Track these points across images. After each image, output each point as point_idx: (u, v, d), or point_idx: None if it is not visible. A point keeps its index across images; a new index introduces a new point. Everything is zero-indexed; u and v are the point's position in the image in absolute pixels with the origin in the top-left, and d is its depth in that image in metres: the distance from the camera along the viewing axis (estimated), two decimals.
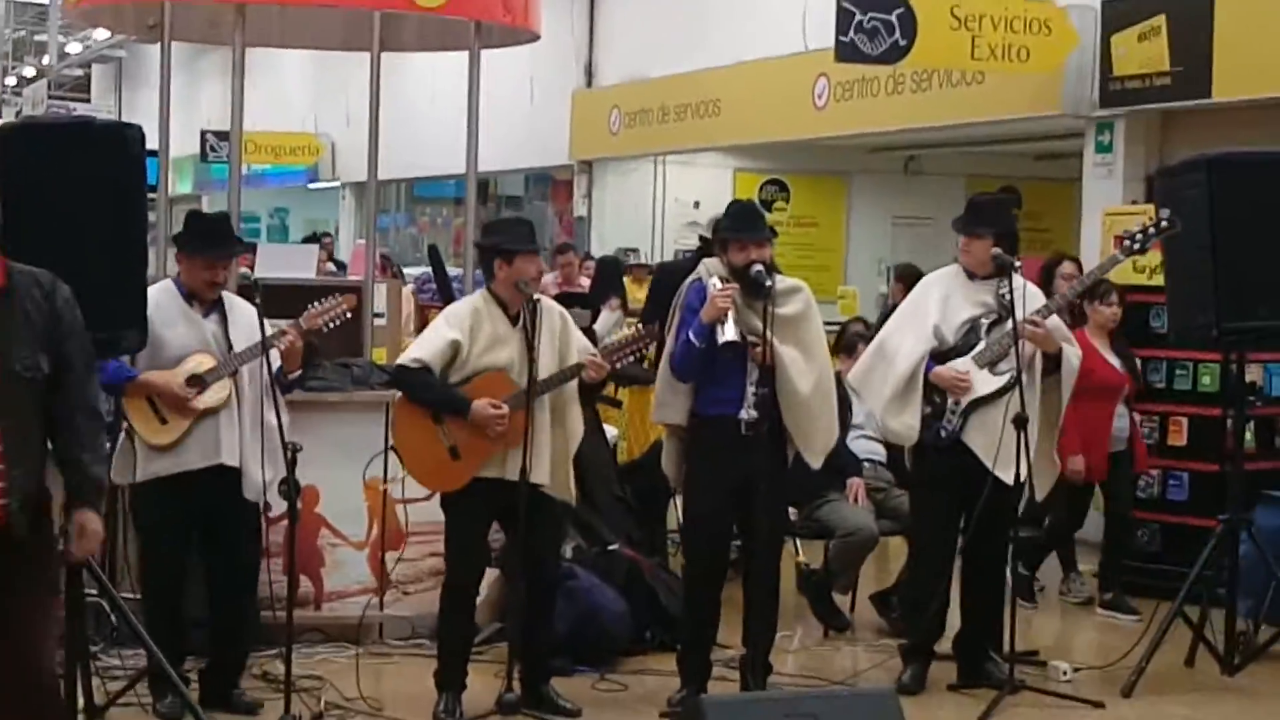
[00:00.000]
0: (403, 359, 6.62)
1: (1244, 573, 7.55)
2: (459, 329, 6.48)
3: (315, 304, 6.57)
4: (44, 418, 4.58)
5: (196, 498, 6.31)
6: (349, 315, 6.71)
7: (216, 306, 6.40)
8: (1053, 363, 6.94)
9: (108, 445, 6.61)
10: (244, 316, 6.39)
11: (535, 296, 6.45)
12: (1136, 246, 7.06)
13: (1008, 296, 6.83)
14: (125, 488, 6.56)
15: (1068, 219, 15.24)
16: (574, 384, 6.58)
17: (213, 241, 6.43)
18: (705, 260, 6.85)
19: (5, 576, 4.51)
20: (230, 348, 6.29)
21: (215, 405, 6.29)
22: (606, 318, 11.24)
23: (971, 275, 7.02)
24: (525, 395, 6.33)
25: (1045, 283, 7.95)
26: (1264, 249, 7.16)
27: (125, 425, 6.33)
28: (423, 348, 6.53)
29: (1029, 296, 6.89)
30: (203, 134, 23.99)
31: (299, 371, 6.56)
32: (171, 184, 10.12)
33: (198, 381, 6.27)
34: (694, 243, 13.26)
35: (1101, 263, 7.48)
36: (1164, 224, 7.04)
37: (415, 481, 6.71)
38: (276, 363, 6.40)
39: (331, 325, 6.64)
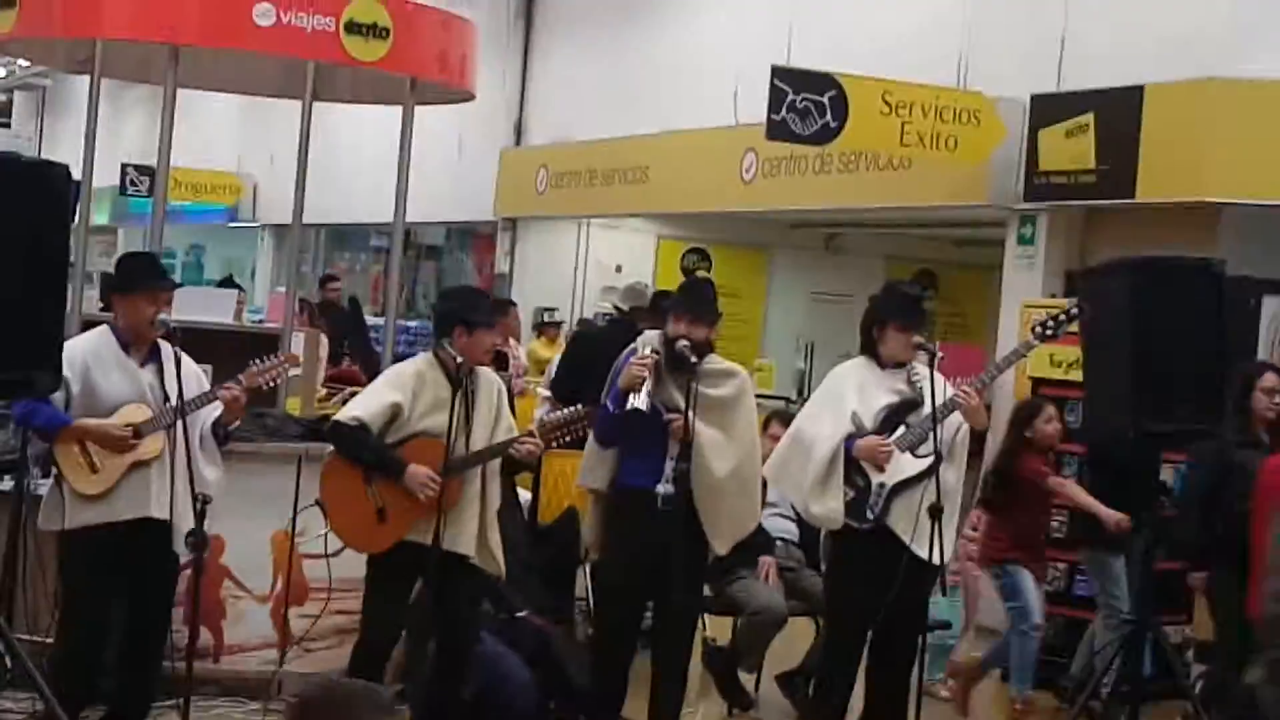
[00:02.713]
0: (341, 415, 6.57)
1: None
2: (401, 391, 6.43)
3: (256, 361, 6.47)
4: None
5: (123, 548, 6.18)
6: (290, 375, 6.65)
7: (154, 356, 6.29)
8: (978, 441, 6.97)
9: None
10: (186, 365, 6.30)
11: (472, 367, 6.42)
12: (1049, 333, 7.14)
13: (920, 383, 6.89)
14: (50, 534, 6.40)
15: (985, 306, 15.40)
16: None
17: (150, 276, 6.35)
18: (647, 332, 6.85)
19: None
20: (167, 399, 6.17)
21: (148, 457, 6.18)
22: None
23: (883, 365, 7.05)
24: (457, 464, 6.28)
25: (1244, 394, 7.92)
26: (1183, 352, 7.23)
27: (55, 472, 6.20)
28: (362, 406, 6.48)
29: (939, 385, 6.96)
30: (123, 167, 23.74)
31: (235, 425, 6.46)
32: (90, 216, 10.04)
33: (133, 430, 6.17)
34: (609, 307, 13.33)
35: (1015, 347, 7.54)
36: (1074, 312, 7.14)
37: (339, 539, 6.61)
38: (215, 413, 6.30)
39: (270, 385, 6.55)
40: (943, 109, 10.84)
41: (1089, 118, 10.64)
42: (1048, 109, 11.02)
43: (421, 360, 6.61)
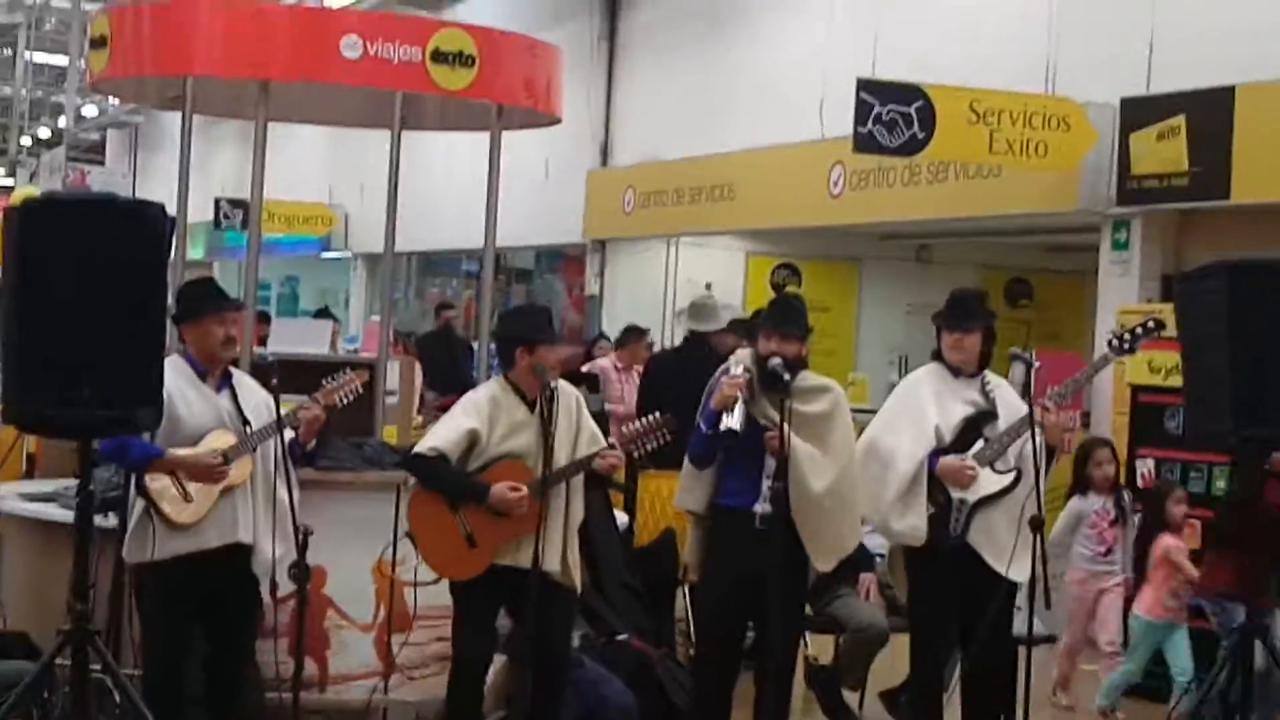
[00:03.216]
0: (419, 447, 6.59)
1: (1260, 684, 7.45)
2: (477, 418, 6.46)
3: (329, 379, 6.56)
4: None
5: (207, 575, 6.25)
6: (361, 391, 6.70)
7: (227, 382, 6.36)
8: (1050, 456, 6.90)
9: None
10: (253, 393, 6.37)
11: (552, 384, 6.43)
12: (1125, 347, 7.05)
13: (994, 393, 6.83)
14: (134, 566, 6.48)
15: (1079, 313, 15.24)
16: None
17: (214, 299, 6.43)
18: (738, 351, 6.84)
19: None
20: (245, 423, 6.24)
21: (236, 482, 6.25)
22: None
23: (956, 372, 6.99)
24: (541, 483, 6.30)
25: None
26: None
27: (143, 504, 6.28)
28: (439, 437, 6.51)
29: (1014, 397, 6.91)
30: (217, 201, 24.06)
31: (313, 444, 6.52)
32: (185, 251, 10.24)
33: (222, 457, 6.24)
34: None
35: (1093, 361, 7.48)
36: (1150, 325, 7.05)
37: (431, 569, 6.65)
38: (289, 435, 6.36)
39: (346, 400, 6.63)
40: (1031, 115, 10.77)
41: (1180, 120, 10.53)
42: (1138, 112, 10.92)
43: (494, 385, 6.64)
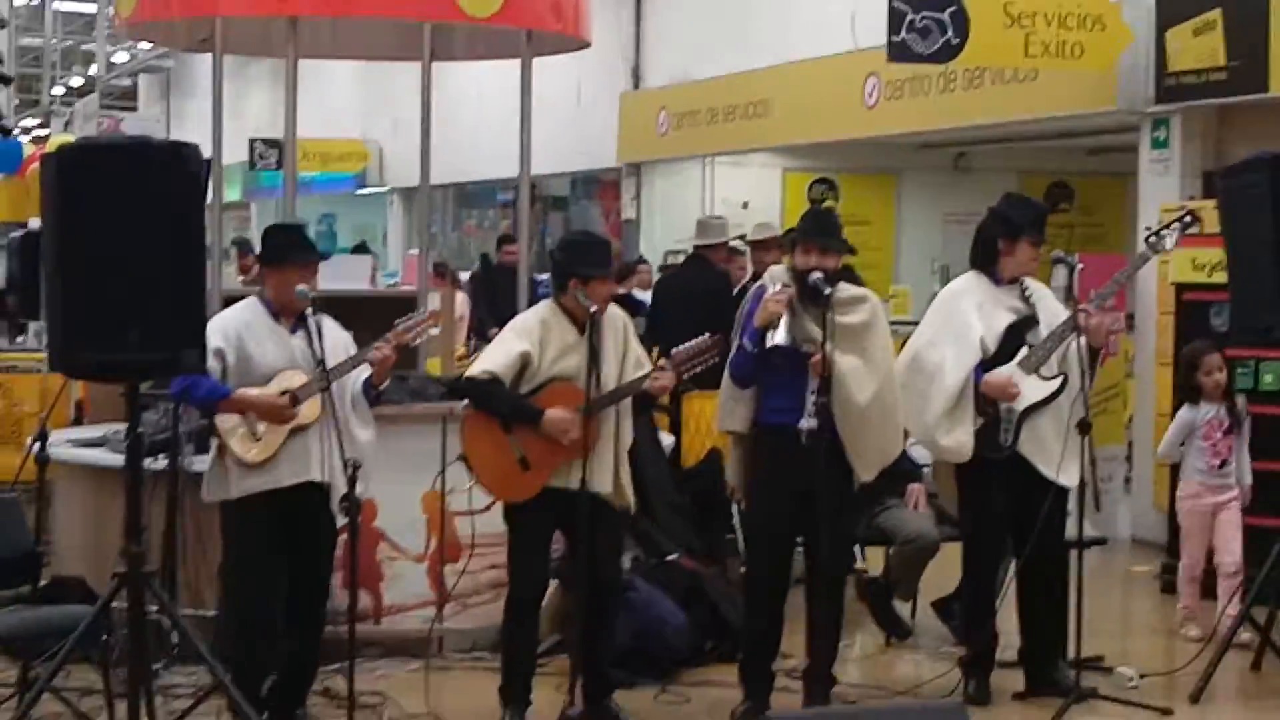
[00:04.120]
0: (472, 370, 6.62)
1: None
2: (529, 340, 6.47)
3: (401, 320, 6.57)
4: None
5: (286, 514, 6.30)
6: (435, 332, 6.73)
7: (303, 323, 6.37)
8: (1092, 358, 6.86)
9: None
10: (332, 332, 6.40)
11: (593, 308, 6.43)
12: (1160, 242, 6.99)
13: (1034, 298, 6.80)
14: (213, 506, 6.53)
15: (1121, 214, 15.13)
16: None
17: (299, 250, 6.44)
18: (773, 267, 6.82)
19: None
20: (319, 363, 6.27)
21: (306, 422, 6.28)
22: None
23: (997, 280, 6.95)
24: (593, 405, 6.32)
25: None
26: None
27: (216, 443, 6.33)
28: (492, 359, 6.53)
29: (1053, 301, 6.87)
30: (251, 142, 24.04)
31: (385, 384, 6.54)
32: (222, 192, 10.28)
33: (290, 397, 6.27)
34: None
35: (1132, 259, 7.40)
36: (1186, 219, 7.00)
37: (485, 492, 6.67)
38: (364, 375, 6.39)
39: (418, 341, 6.67)
40: (1066, 16, 10.62)
41: (1216, 14, 10.39)
42: (1173, 8, 10.77)
43: (544, 308, 6.63)
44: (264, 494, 6.26)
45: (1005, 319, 6.89)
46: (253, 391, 6.25)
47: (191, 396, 6.31)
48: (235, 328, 6.32)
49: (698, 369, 6.58)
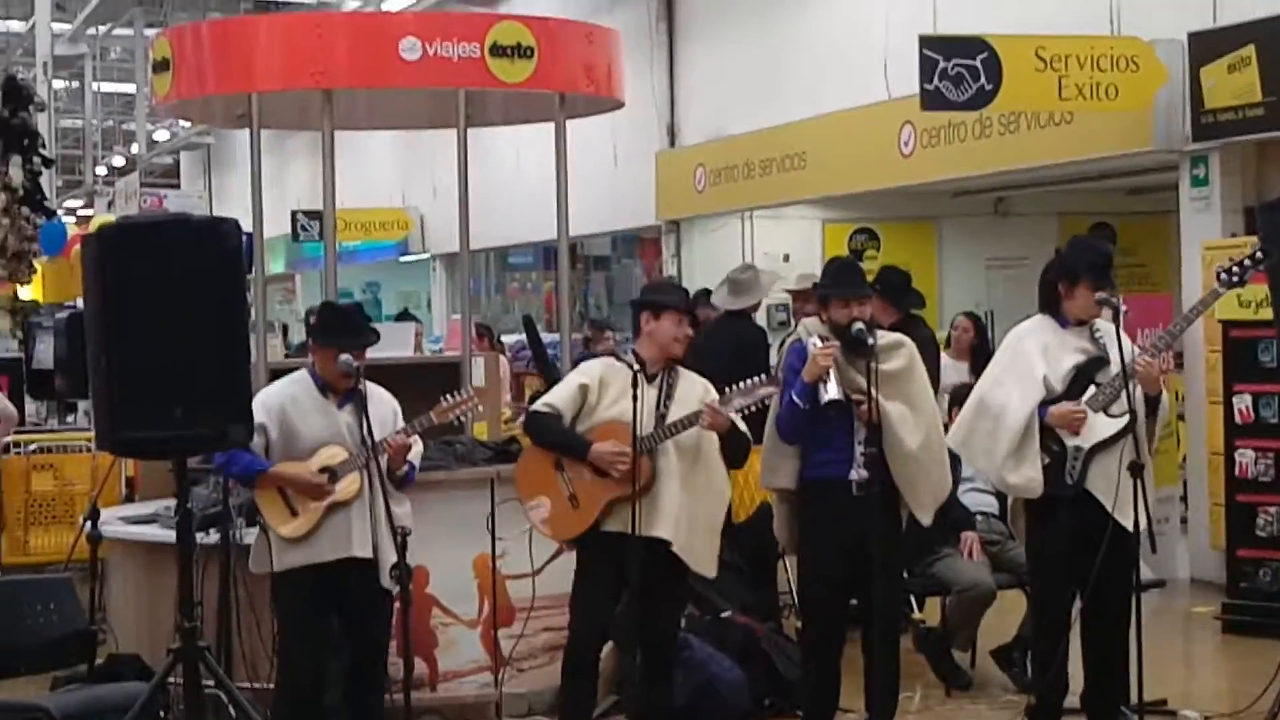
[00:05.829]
0: (535, 406, 6.66)
1: None
2: (589, 377, 6.51)
3: (446, 397, 6.57)
4: None
5: (333, 588, 6.31)
6: (479, 410, 6.75)
7: (352, 396, 6.38)
8: (1151, 405, 6.79)
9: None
10: (382, 406, 6.40)
11: (672, 366, 6.41)
12: (1235, 280, 6.94)
13: (1104, 340, 6.75)
14: (262, 578, 6.56)
15: (1164, 253, 15.04)
16: (713, 440, 6.43)
17: (347, 332, 6.46)
18: (805, 320, 6.80)
19: None
20: (363, 440, 6.26)
21: (346, 497, 6.29)
22: None
23: (1064, 323, 6.91)
24: (643, 442, 6.27)
25: None
26: None
27: (260, 518, 6.35)
28: (553, 394, 6.59)
29: (1123, 340, 6.80)
30: (293, 214, 24.18)
31: (405, 469, 6.53)
32: (265, 265, 10.35)
33: (329, 473, 6.28)
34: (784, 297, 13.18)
35: (1203, 297, 7.34)
36: (1259, 255, 6.93)
37: (537, 530, 6.66)
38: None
39: (462, 420, 6.67)
40: (1099, 58, 10.61)
41: (1250, 49, 10.36)
42: (1207, 45, 10.75)
43: (605, 359, 6.70)
44: (306, 568, 6.27)
45: (1072, 359, 6.84)
46: (290, 468, 6.27)
47: (229, 471, 6.34)
48: (279, 402, 6.35)
49: (752, 409, 6.50)
